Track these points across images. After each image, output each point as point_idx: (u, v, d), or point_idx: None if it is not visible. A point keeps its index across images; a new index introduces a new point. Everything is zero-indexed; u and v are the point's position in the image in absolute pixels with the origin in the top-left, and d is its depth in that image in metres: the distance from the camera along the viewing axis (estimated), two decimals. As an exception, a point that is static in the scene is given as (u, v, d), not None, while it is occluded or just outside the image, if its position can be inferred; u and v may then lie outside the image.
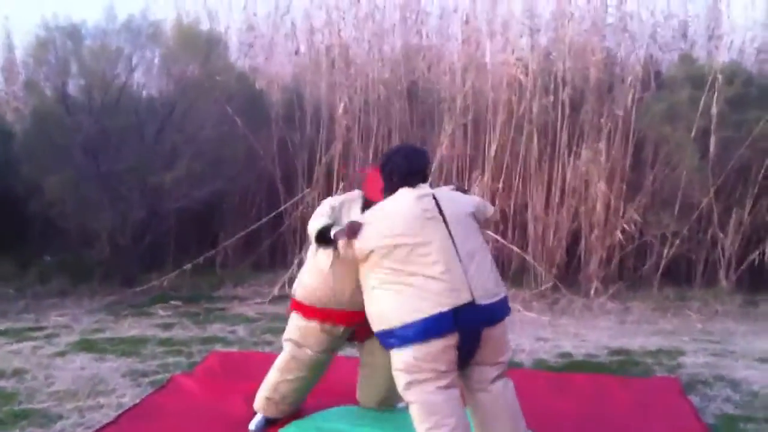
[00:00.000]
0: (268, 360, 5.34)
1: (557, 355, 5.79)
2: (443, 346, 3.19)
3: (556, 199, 8.25)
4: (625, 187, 8.11)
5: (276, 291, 7.80)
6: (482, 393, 3.42)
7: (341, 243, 3.43)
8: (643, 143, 8.21)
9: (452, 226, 3.35)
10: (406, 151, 3.71)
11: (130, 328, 6.47)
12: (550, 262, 8.17)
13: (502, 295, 3.43)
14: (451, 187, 3.87)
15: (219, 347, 5.79)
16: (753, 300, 7.73)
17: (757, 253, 7.86)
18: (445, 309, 3.18)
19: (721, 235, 7.96)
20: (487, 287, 3.32)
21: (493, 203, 8.32)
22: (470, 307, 3.22)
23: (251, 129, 8.45)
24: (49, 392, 4.59)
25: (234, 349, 5.79)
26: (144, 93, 8.82)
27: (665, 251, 8.01)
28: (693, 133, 7.73)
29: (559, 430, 3.98)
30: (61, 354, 5.49)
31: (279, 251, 8.92)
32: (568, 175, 8.21)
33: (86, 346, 5.74)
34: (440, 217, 3.36)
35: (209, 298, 7.78)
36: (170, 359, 5.41)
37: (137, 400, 4.41)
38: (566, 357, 5.73)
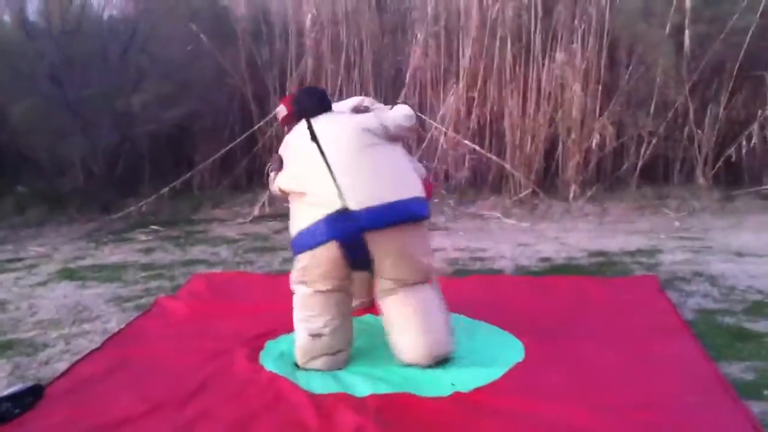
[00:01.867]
0: (252, 279, 5.40)
1: (538, 259, 5.84)
2: (326, 255, 3.51)
3: (532, 105, 8.19)
4: (600, 88, 8.05)
5: (256, 211, 7.76)
6: (382, 301, 3.67)
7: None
8: (618, 43, 8.12)
9: (325, 146, 3.59)
10: (303, 91, 4.12)
11: (110, 254, 6.43)
12: (528, 168, 8.18)
13: (395, 198, 3.51)
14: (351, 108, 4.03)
15: (202, 269, 5.78)
16: (730, 195, 7.83)
17: (733, 148, 7.89)
18: (316, 219, 3.49)
19: (698, 132, 7.98)
20: (371, 193, 3.48)
21: (468, 113, 8.28)
22: (344, 214, 3.45)
23: (218, 47, 8.26)
24: (33, 321, 4.58)
25: (217, 270, 5.79)
26: (105, 14, 8.55)
27: (642, 151, 8.03)
28: (667, 30, 7.64)
29: (540, 333, 4.03)
30: (43, 283, 5.47)
31: (256, 171, 8.83)
32: (543, 80, 8.13)
33: (67, 274, 5.71)
34: (312, 141, 3.62)
35: (189, 221, 7.74)
36: (153, 283, 5.40)
37: (123, 325, 4.41)
38: (547, 261, 5.79)
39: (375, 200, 3.46)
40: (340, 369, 3.64)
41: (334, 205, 3.45)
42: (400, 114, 3.83)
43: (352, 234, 3.46)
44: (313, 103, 3.86)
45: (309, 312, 3.66)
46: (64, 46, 7.66)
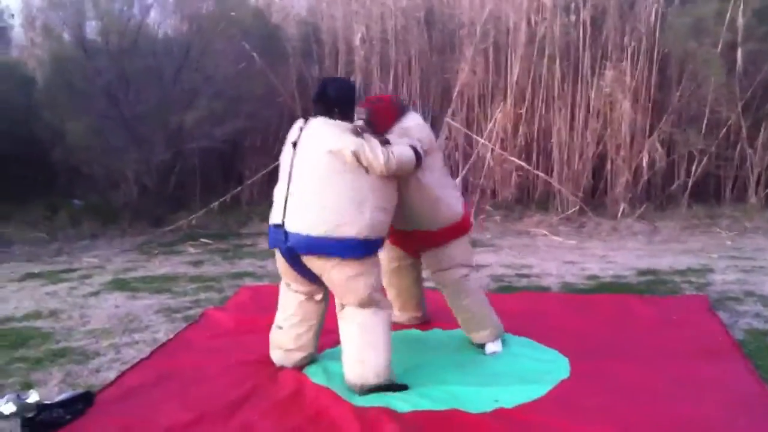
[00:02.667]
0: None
1: (585, 277, 5.78)
2: (278, 257, 3.72)
3: (581, 122, 8.15)
4: (651, 106, 7.97)
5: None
6: (338, 315, 3.73)
7: None
8: (668, 61, 8.05)
9: (298, 155, 3.56)
10: (320, 82, 3.93)
11: (161, 266, 6.56)
12: (575, 185, 8.13)
13: (321, 234, 3.45)
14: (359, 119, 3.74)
15: (249, 282, 5.86)
16: (782, 215, 7.67)
17: (786, 168, 7.75)
18: (271, 224, 3.64)
19: (750, 150, 7.84)
20: (306, 219, 3.48)
21: (516, 130, 8.26)
22: (281, 229, 3.54)
23: (269, 65, 8.40)
24: (85, 331, 4.68)
25: (264, 283, 5.85)
26: (160, 33, 8.75)
27: (693, 169, 7.92)
28: (719, 48, 7.55)
29: (586, 351, 4.00)
30: (95, 294, 5.59)
31: (303, 186, 8.92)
32: (592, 97, 8.09)
33: (119, 285, 5.84)
34: (292, 145, 3.60)
35: (237, 235, 7.86)
36: (202, 295, 5.49)
37: (171, 336, 4.49)
38: (594, 279, 5.73)
39: (302, 229, 3.48)
40: (297, 367, 3.83)
41: (277, 218, 3.58)
42: (367, 147, 3.51)
43: (284, 250, 3.59)
44: (317, 97, 3.71)
45: (281, 302, 3.89)
46: (121, 64, 7.87)
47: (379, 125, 3.73)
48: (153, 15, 8.60)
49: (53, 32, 8.56)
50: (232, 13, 8.43)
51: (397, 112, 3.89)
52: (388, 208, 3.67)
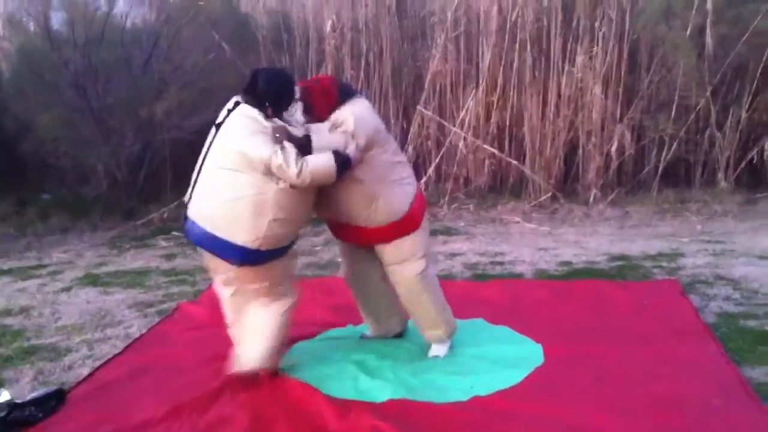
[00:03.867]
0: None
1: (558, 263, 5.82)
2: None
3: (552, 109, 8.18)
4: (621, 92, 8.02)
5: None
6: None
7: None
8: (638, 46, 8.09)
9: (216, 140, 3.42)
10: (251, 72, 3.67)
11: (132, 260, 6.50)
12: (548, 172, 8.16)
13: (222, 234, 3.34)
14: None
15: (222, 274, 5.81)
16: (752, 198, 7.77)
17: (756, 151, 7.83)
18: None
19: (719, 134, 7.92)
20: (204, 210, 3.39)
21: (488, 117, 8.28)
22: (185, 210, 3.49)
23: (239, 54, 8.32)
24: (57, 327, 4.63)
25: (237, 275, 5.81)
26: (128, 23, 8.62)
27: (663, 155, 7.98)
28: (689, 32, 7.60)
29: (560, 337, 4.03)
30: (67, 289, 5.53)
31: (277, 177, 8.88)
32: (563, 84, 8.11)
33: (90, 280, 5.78)
34: (215, 126, 3.46)
35: (210, 227, 7.78)
36: (175, 289, 5.45)
37: (144, 330, 4.45)
38: (567, 265, 5.76)
39: (198, 218, 3.39)
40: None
41: (186, 197, 3.50)
42: (319, 169, 3.33)
43: (184, 231, 3.58)
44: (246, 88, 3.52)
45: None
46: (88, 55, 7.75)
47: (315, 108, 3.57)
48: (120, 5, 8.47)
49: (19, 23, 8.41)
50: (201, 2, 8.33)
51: (337, 95, 3.59)
52: (293, 219, 3.43)
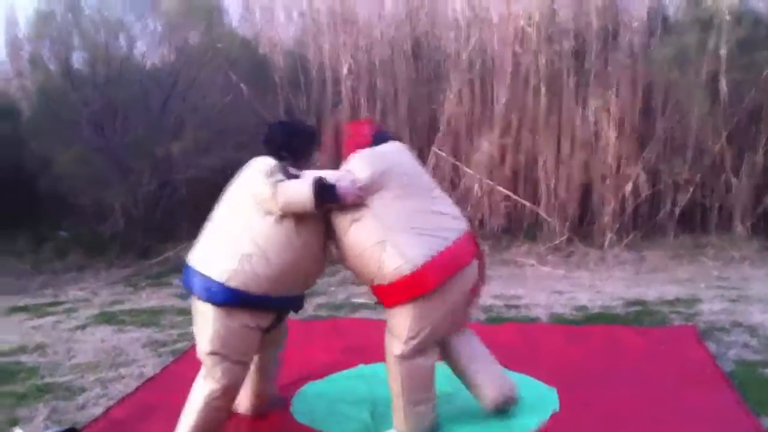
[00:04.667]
0: (287, 324, 5.39)
1: (573, 308, 5.79)
2: None
3: (567, 152, 8.19)
4: (636, 135, 8.03)
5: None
6: None
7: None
8: (652, 90, 8.11)
9: (225, 194, 3.39)
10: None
11: (148, 299, 6.52)
12: (563, 215, 8.15)
13: (198, 266, 3.24)
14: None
15: (236, 314, 5.81)
16: (769, 244, 7.72)
17: (771, 196, 7.81)
18: None
19: (735, 180, 7.90)
20: (196, 251, 3.32)
21: (502, 159, 8.30)
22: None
23: (257, 95, 8.42)
24: (71, 365, 4.64)
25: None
26: (147, 63, 8.77)
27: (679, 199, 7.96)
28: (703, 77, 7.63)
29: (576, 382, 3.99)
30: (82, 327, 5.55)
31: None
32: (577, 127, 8.14)
33: (106, 318, 5.79)
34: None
35: (224, 266, 7.79)
36: (189, 328, 5.34)
37: (158, 370, 4.45)
38: (582, 310, 5.73)
39: (193, 263, 3.29)
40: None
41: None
42: (294, 194, 3.16)
43: None
44: (264, 138, 3.54)
45: None
46: (107, 94, 7.87)
47: (346, 152, 3.44)
48: (140, 45, 8.63)
49: (40, 63, 8.55)
50: (219, 45, 8.45)
51: (370, 141, 3.43)
52: (272, 260, 3.15)
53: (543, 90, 8.21)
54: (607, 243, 7.87)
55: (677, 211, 7.99)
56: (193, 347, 4.83)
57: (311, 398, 3.93)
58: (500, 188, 8.25)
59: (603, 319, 5.43)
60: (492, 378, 3.53)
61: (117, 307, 6.18)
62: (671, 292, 6.21)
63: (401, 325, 3.26)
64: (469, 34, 8.58)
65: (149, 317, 5.79)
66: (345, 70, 8.66)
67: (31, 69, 9.08)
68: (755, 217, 7.96)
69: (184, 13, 8.44)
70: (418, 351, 3.30)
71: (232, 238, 3.21)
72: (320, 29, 9.03)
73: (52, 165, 7.89)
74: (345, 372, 4.32)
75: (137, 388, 4.14)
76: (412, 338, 3.26)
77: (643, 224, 8.16)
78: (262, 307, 3.25)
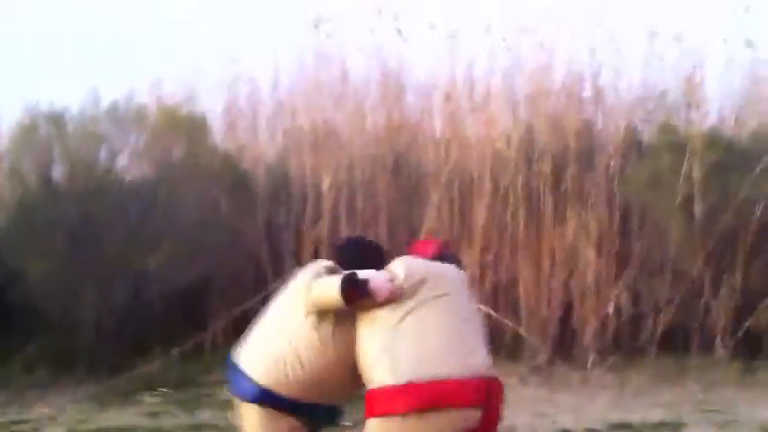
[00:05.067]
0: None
1: (557, 431, 5.65)
2: None
3: (546, 270, 8.20)
4: (614, 255, 8.08)
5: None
6: None
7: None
8: (629, 210, 8.23)
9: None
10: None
11: (116, 417, 6.28)
12: (543, 334, 8.08)
13: (238, 362, 3.15)
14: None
15: (209, 435, 5.61)
16: (751, 367, 7.66)
17: (751, 318, 7.81)
18: None
19: (714, 302, 7.92)
20: (241, 350, 3.21)
21: (482, 277, 8.29)
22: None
23: (237, 209, 8.42)
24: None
25: (225, 436, 5.60)
26: (128, 177, 8.77)
27: (660, 320, 7.95)
28: (678, 200, 7.76)
29: None
30: (47, 448, 5.30)
31: (269, 333, 8.75)
32: (556, 245, 8.19)
33: (71, 438, 5.55)
34: None
35: (198, 384, 7.57)
36: (158, 450, 5.23)
37: (127, 497, 4.23)
38: (567, 433, 5.61)
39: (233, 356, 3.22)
40: None
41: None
42: (324, 288, 3.03)
43: None
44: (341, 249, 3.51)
45: None
46: (86, 207, 7.82)
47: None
48: (121, 159, 8.65)
49: (20, 175, 8.52)
50: (201, 160, 8.50)
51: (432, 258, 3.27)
52: (307, 366, 3.00)
53: (521, 209, 8.30)
54: (590, 364, 7.77)
55: (658, 332, 7.96)
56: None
57: None
58: (480, 306, 8.18)
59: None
60: None
61: (83, 426, 5.94)
62: (656, 415, 6.14)
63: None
64: (448, 152, 8.73)
65: (117, 438, 5.56)
66: (325, 187, 8.71)
67: (10, 181, 9.03)
68: (736, 340, 7.93)
69: (168, 128, 8.52)
70: None
71: (271, 338, 3.11)
72: (302, 145, 9.15)
73: (23, 277, 7.72)
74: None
75: None
76: None
77: (625, 344, 8.10)
78: (294, 411, 3.08)
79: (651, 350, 7.92)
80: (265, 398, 3.03)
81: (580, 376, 7.55)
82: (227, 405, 6.52)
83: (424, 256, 3.27)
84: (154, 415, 6.33)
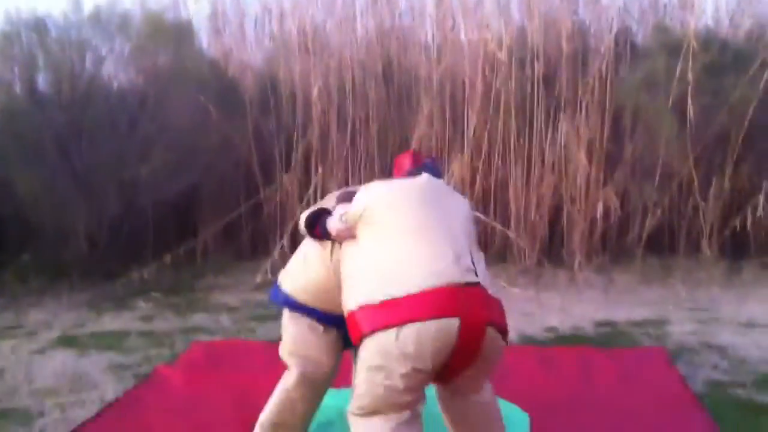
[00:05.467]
0: (252, 348, 5.31)
1: (544, 329, 5.77)
2: None
3: (537, 175, 8.21)
4: (604, 159, 8.07)
5: (259, 279, 7.70)
6: None
7: None
8: (622, 113, 8.17)
9: None
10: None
11: (110, 321, 6.37)
12: (532, 237, 8.14)
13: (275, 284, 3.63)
14: None
15: (202, 337, 5.71)
16: (737, 266, 7.76)
17: (739, 219, 7.85)
18: None
19: (702, 203, 7.95)
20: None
21: (473, 182, 8.30)
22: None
23: (225, 117, 8.33)
24: (30, 390, 4.50)
25: (217, 338, 5.71)
26: (115, 85, 8.66)
27: (647, 222, 8.00)
28: (670, 102, 7.69)
29: (547, 405, 3.95)
30: (41, 351, 5.39)
31: (260, 239, 8.83)
32: (547, 150, 8.17)
33: (67, 342, 5.64)
34: None
35: (190, 289, 7.68)
36: (153, 351, 5.33)
37: (120, 395, 4.33)
38: (553, 331, 5.71)
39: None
40: None
41: None
42: (301, 224, 3.41)
43: None
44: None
45: None
46: (73, 115, 7.74)
47: None
48: (107, 67, 8.52)
49: (4, 85, 8.40)
50: (188, 66, 8.37)
51: (408, 171, 3.35)
52: (311, 274, 3.38)
53: (513, 113, 8.23)
54: (576, 265, 7.86)
55: (645, 234, 8.02)
56: (155, 370, 4.75)
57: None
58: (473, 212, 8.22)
59: (573, 340, 5.42)
60: None
61: (78, 331, 6.02)
62: (641, 313, 6.23)
63: (357, 375, 2.91)
64: (440, 57, 8.60)
65: (112, 341, 5.65)
66: (315, 93, 8.61)
67: (-5, 90, 8.92)
68: (722, 240, 8.00)
69: (153, 34, 8.35)
70: (371, 411, 2.82)
71: (298, 254, 3.57)
72: (291, 51, 9.00)
73: (13, 188, 7.71)
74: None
75: (98, 413, 4.01)
76: (360, 395, 2.85)
77: (612, 247, 8.19)
78: (311, 316, 3.42)
79: (638, 251, 8.00)
80: (285, 302, 3.47)
81: (568, 277, 7.65)
82: (218, 309, 6.69)
83: (402, 172, 3.43)
84: (147, 319, 6.43)
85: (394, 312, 2.70)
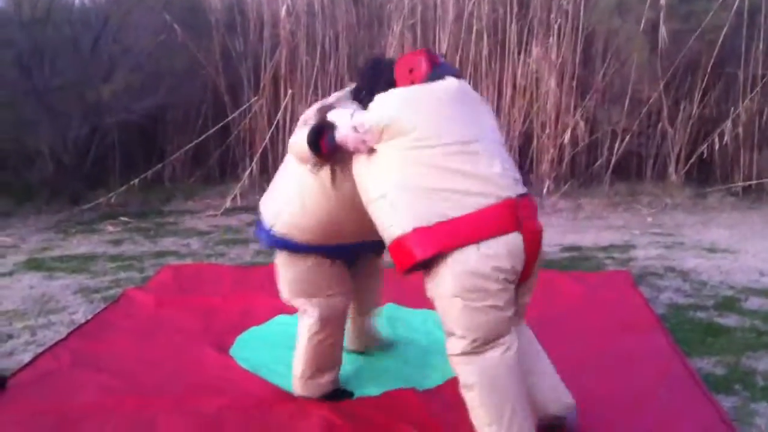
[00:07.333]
0: (222, 272, 5.32)
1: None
2: None
3: (507, 99, 8.18)
4: (575, 84, 8.05)
5: (228, 203, 7.67)
6: None
7: None
8: (593, 38, 8.13)
9: None
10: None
11: (79, 245, 6.32)
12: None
13: (259, 218, 3.25)
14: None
15: (172, 261, 5.70)
16: (702, 192, 7.88)
17: (706, 145, 7.93)
18: None
19: (670, 129, 8.01)
20: (263, 199, 3.33)
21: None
22: None
23: (192, 37, 8.13)
24: (-2, 313, 4.49)
25: (187, 262, 5.71)
26: (76, 2, 8.40)
27: (615, 148, 8.05)
28: (642, 26, 7.65)
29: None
30: (9, 274, 5.35)
31: (229, 163, 8.75)
32: (519, 74, 8.13)
33: (34, 265, 5.60)
34: None
35: (159, 213, 7.63)
36: (122, 274, 5.32)
37: (89, 317, 4.33)
38: (520, 255, 5.76)
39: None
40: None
41: None
42: (297, 143, 2.98)
43: None
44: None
45: None
46: (34, 34, 7.51)
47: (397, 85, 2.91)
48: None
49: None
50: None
51: (425, 74, 2.83)
52: (310, 210, 3.01)
53: (485, 37, 8.14)
54: (545, 191, 7.92)
55: (613, 159, 8.08)
56: (125, 293, 4.74)
57: (252, 344, 3.88)
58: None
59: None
60: (551, 389, 2.97)
61: (46, 254, 5.98)
62: (606, 238, 6.32)
63: (441, 311, 2.72)
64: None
65: (80, 264, 5.62)
66: (283, 13, 8.41)
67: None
68: (689, 166, 8.09)
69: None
70: (484, 342, 2.65)
71: (280, 186, 3.19)
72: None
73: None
74: (286, 317, 4.25)
75: (67, 335, 4.01)
76: (467, 329, 2.65)
77: (580, 172, 8.24)
78: (312, 252, 3.14)
79: (605, 177, 8.08)
80: (281, 245, 3.14)
81: (536, 202, 7.69)
82: (187, 233, 6.67)
83: (420, 76, 2.86)
84: (116, 242, 6.39)
85: (459, 232, 2.56)
